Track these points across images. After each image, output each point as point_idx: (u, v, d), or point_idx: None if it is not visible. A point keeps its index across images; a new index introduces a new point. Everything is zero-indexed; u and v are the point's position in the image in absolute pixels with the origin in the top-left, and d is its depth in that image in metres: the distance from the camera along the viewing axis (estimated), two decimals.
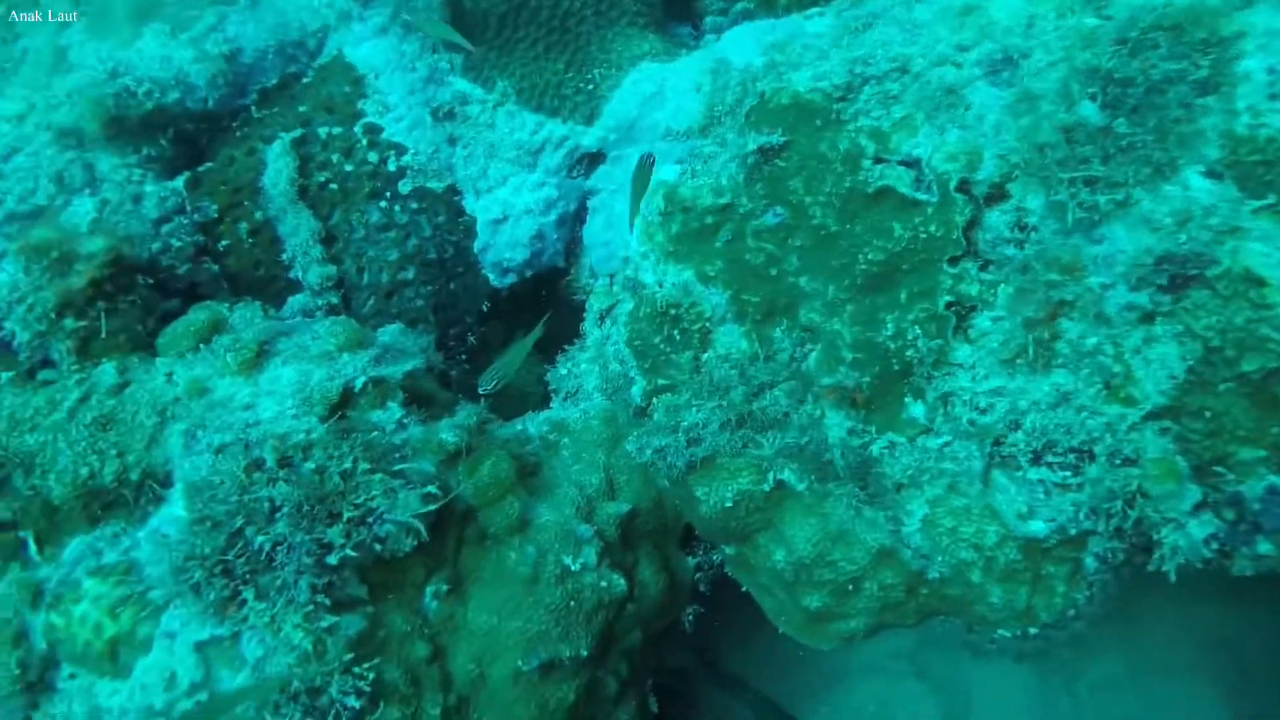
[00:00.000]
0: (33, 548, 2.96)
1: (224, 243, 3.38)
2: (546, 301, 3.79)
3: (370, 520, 2.69)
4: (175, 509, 2.86)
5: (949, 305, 2.79)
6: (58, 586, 2.83)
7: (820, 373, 2.98)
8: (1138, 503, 2.65)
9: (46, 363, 3.17)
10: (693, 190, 3.18)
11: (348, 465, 2.70)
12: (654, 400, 3.19)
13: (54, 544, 2.98)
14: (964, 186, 2.78)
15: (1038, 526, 2.75)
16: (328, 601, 2.63)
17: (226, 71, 3.39)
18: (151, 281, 3.21)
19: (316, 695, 2.63)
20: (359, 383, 2.95)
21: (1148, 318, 2.57)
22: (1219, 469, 2.55)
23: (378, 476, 2.72)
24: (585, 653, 2.90)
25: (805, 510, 2.98)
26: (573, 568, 2.94)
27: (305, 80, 3.51)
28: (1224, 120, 2.47)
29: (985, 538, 2.79)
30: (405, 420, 2.96)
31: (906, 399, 2.89)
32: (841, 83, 2.97)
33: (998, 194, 2.78)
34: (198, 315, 3.12)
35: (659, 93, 3.33)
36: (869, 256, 2.86)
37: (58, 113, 3.27)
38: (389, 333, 3.27)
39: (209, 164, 3.44)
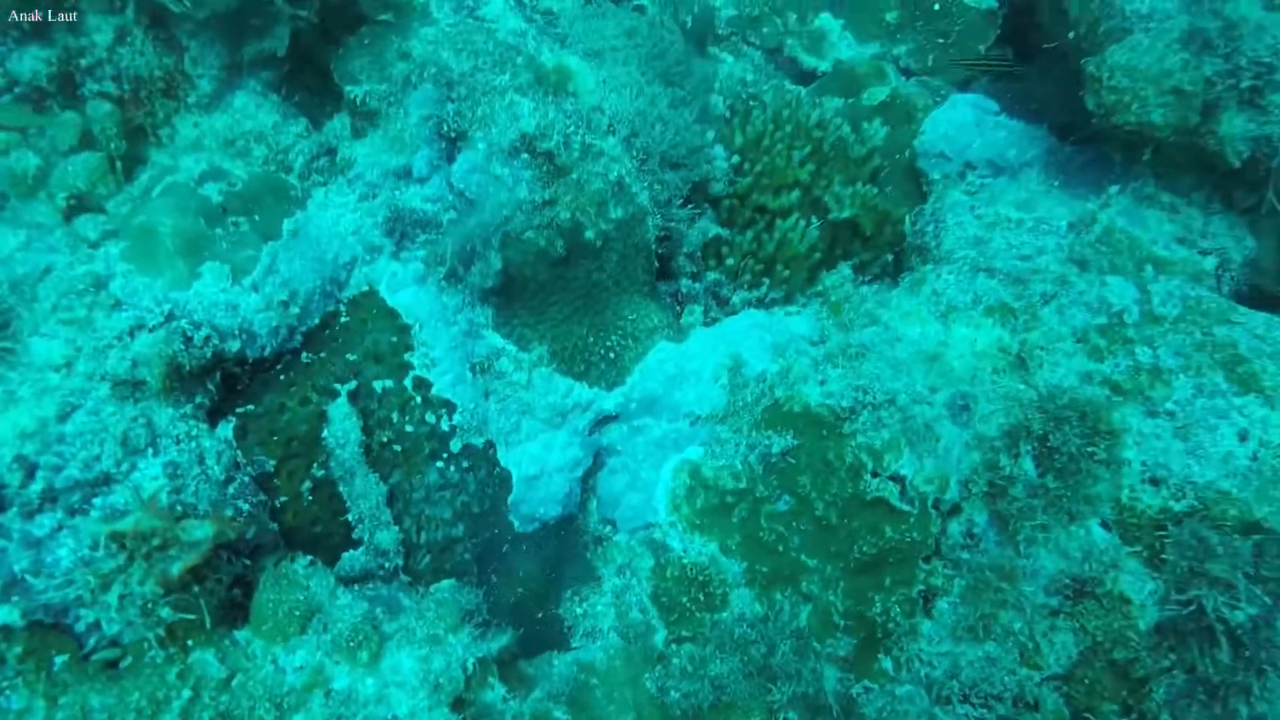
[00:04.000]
0: None
1: (282, 499, 3.28)
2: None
3: None
4: None
5: (920, 592, 3.76)
6: None
7: (816, 631, 3.79)
8: None
9: (113, 643, 2.94)
10: (714, 471, 3.81)
11: None
12: (673, 647, 3.78)
13: None
14: (935, 504, 3.76)
15: None
16: None
17: (288, 319, 3.28)
18: (230, 555, 3.08)
19: None
20: (469, 665, 3.19)
21: (1054, 614, 3.75)
22: (1088, 715, 3.82)
23: None
24: None
25: None
26: None
27: (342, 320, 3.47)
28: (1113, 491, 3.72)
29: None
30: (507, 697, 3.26)
31: (880, 655, 3.82)
32: (847, 405, 3.80)
33: (954, 509, 3.81)
34: (292, 595, 3.10)
35: (679, 374, 3.86)
36: (863, 549, 3.73)
37: (110, 360, 2.98)
38: (444, 589, 3.46)
39: (250, 406, 3.29)
